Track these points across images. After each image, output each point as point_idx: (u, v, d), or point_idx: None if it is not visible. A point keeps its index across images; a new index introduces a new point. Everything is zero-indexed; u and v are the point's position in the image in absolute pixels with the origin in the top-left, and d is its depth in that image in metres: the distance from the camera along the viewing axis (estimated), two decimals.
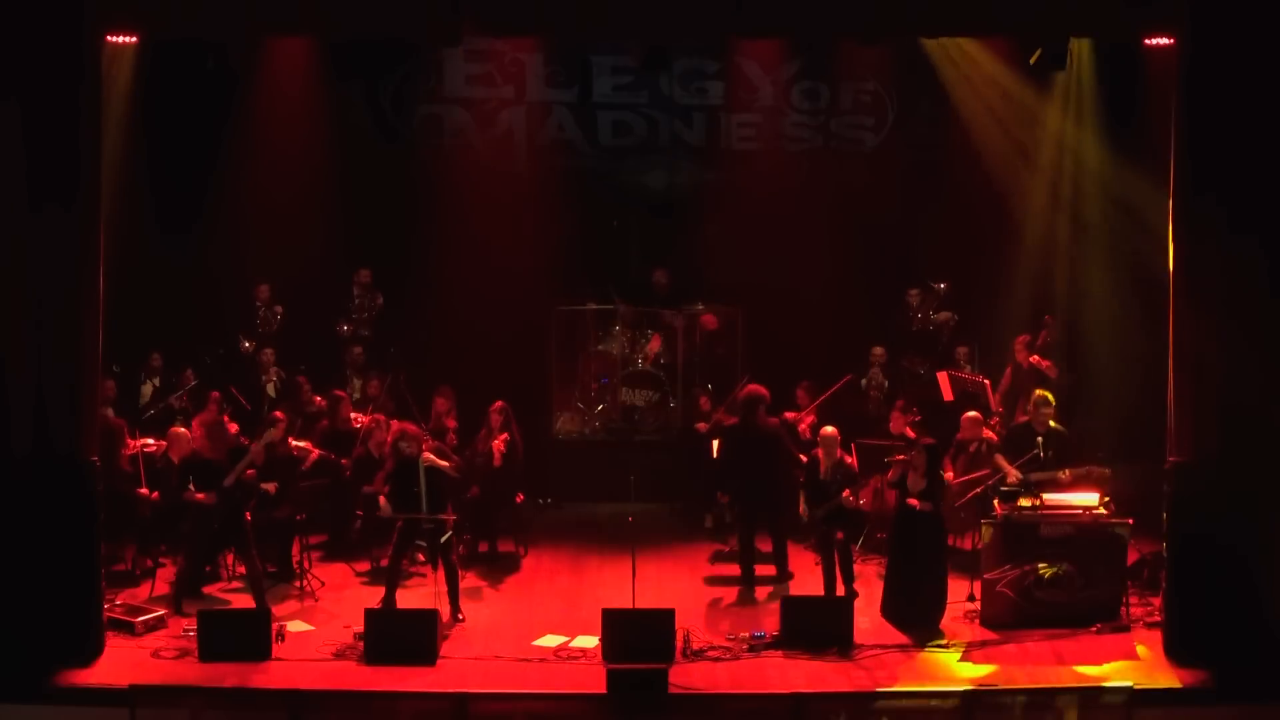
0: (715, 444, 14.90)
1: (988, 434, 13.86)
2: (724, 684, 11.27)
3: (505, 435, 14.56)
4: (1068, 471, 13.07)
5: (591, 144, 18.09)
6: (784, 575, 13.89)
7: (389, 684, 11.17)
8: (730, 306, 17.67)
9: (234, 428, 14.93)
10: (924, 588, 12.43)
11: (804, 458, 13.51)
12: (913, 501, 12.39)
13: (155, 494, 13.72)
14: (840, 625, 11.96)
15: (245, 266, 16.87)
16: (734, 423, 14.22)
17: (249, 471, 12.76)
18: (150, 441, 14.41)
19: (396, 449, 12.96)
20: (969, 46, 16.01)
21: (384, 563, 13.28)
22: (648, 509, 14.68)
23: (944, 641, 12.08)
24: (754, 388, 14.17)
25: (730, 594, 13.52)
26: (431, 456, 12.97)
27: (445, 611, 12.53)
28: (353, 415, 15.13)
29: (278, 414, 13.96)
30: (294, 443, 14.17)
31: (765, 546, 14.00)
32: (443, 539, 12.65)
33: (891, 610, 12.55)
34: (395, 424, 14.04)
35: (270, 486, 13.25)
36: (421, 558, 13.97)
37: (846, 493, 12.84)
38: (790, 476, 13.96)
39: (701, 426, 15.57)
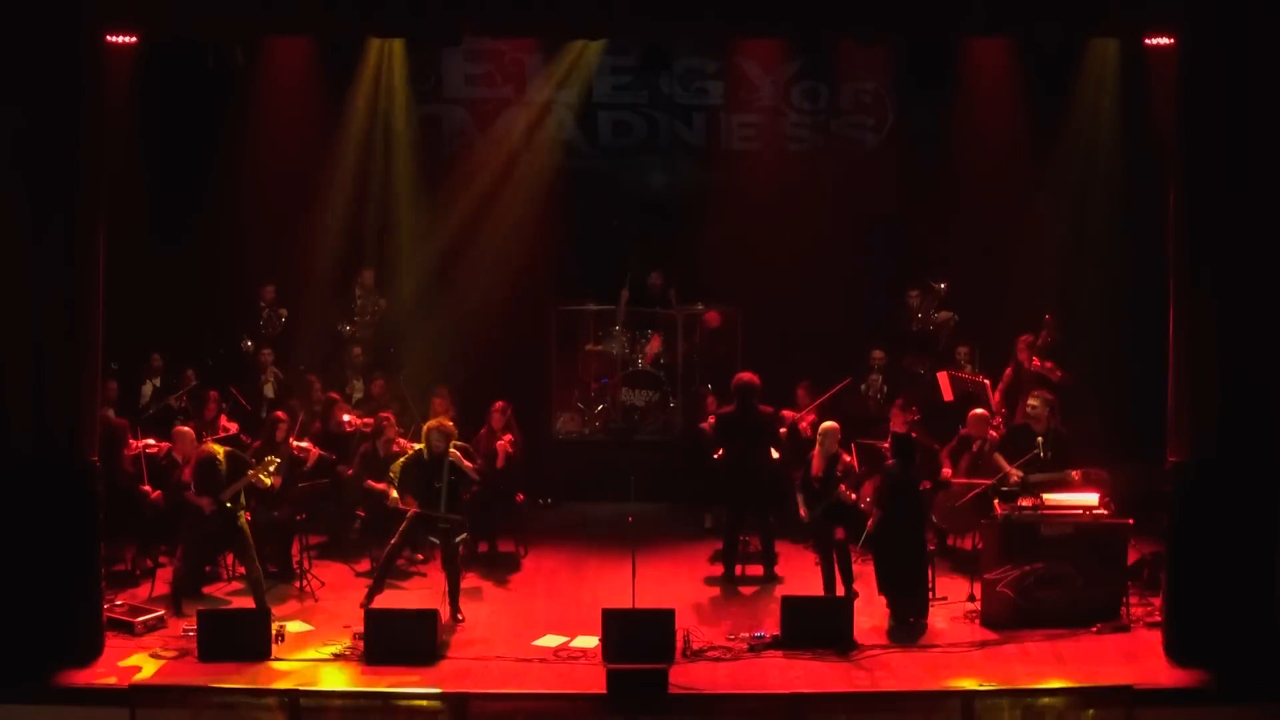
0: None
1: (993, 434, 13.81)
2: (724, 684, 11.26)
3: (510, 436, 14.56)
4: (1077, 473, 13.07)
5: (591, 144, 18.08)
6: (770, 576, 13.82)
7: (389, 684, 11.16)
8: (730, 306, 17.67)
9: (234, 427, 14.94)
10: (906, 566, 12.52)
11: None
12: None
13: (157, 493, 13.74)
14: (840, 625, 11.97)
15: (245, 266, 16.86)
16: (729, 410, 14.09)
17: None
18: (152, 442, 14.39)
19: (429, 440, 12.92)
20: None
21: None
22: (648, 509, 14.66)
23: (944, 642, 12.10)
24: (746, 375, 14.09)
25: (730, 594, 13.52)
26: (458, 455, 12.97)
27: (445, 612, 12.51)
28: (346, 419, 15.10)
29: (279, 414, 13.94)
30: (295, 443, 14.17)
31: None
32: (457, 539, 12.62)
33: (884, 584, 12.66)
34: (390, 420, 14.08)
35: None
36: (420, 556, 13.99)
37: (843, 487, 12.85)
38: (785, 474, 13.93)
39: (707, 425, 15.57)
